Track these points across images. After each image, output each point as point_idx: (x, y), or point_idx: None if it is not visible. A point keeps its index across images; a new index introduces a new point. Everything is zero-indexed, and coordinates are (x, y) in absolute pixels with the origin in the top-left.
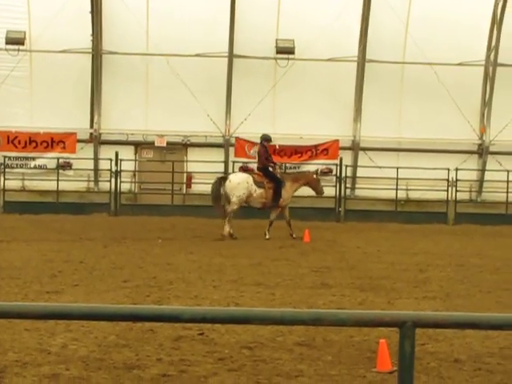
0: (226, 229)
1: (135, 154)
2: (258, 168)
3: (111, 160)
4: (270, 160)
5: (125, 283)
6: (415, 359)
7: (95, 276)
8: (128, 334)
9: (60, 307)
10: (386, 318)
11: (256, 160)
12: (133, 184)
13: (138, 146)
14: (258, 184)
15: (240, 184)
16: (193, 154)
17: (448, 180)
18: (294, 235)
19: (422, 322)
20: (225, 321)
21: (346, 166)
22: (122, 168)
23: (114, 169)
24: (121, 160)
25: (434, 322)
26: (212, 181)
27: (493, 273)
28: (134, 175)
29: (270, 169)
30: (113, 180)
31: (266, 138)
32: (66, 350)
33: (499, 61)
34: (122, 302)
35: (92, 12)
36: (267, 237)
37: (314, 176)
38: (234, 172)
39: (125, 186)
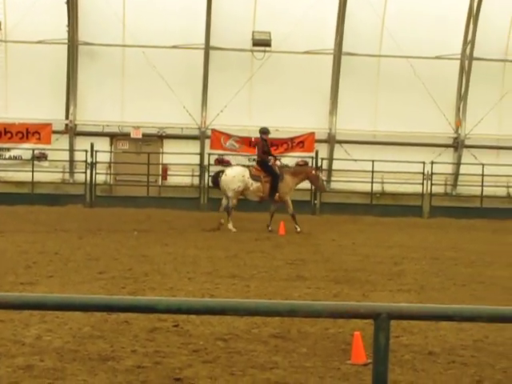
0: (230, 226)
1: (111, 146)
2: (257, 162)
3: (86, 151)
4: (266, 153)
5: (100, 275)
6: (390, 351)
7: (70, 267)
8: (103, 326)
9: (34, 297)
10: (360, 310)
11: (231, 152)
12: (108, 175)
13: (114, 137)
14: (255, 178)
15: (235, 177)
16: (168, 146)
17: (423, 173)
18: (270, 228)
19: (396, 313)
20: (200, 312)
21: (322, 159)
22: (98, 159)
23: (89, 160)
24: (96, 151)
25: (409, 313)
26: (187, 173)
27: (467, 266)
28: (110, 167)
29: (270, 162)
30: (88, 171)
31: (263, 131)
32: (41, 341)
33: (475, 55)
34: (98, 294)
35: (68, 2)
36: (269, 229)
37: (313, 172)
38: (210, 164)
39: (100, 178)
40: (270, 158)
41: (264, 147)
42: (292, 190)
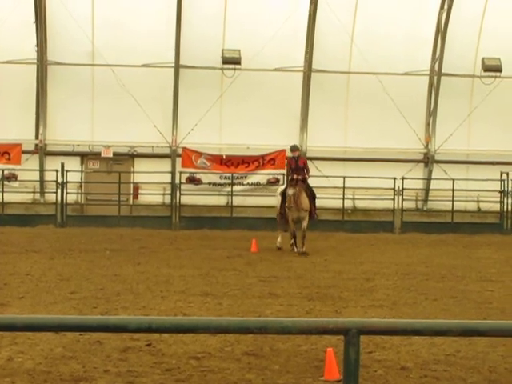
0: (278, 240)
1: (81, 165)
2: None
3: (57, 171)
4: (294, 170)
5: (72, 295)
6: (362, 367)
7: (42, 288)
8: (75, 346)
9: (4, 318)
10: (330, 326)
11: (203, 170)
12: (79, 195)
13: (84, 156)
14: (281, 194)
15: (276, 196)
16: (140, 165)
17: (394, 189)
18: (295, 249)
19: (366, 329)
20: (171, 330)
21: None
22: (68, 179)
23: (59, 180)
24: (67, 171)
25: (379, 329)
26: (159, 191)
27: (438, 281)
28: (81, 186)
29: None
30: (59, 191)
31: (290, 149)
32: (12, 362)
33: (444, 71)
34: (69, 314)
35: (36, 22)
36: (295, 250)
37: None
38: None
39: (71, 198)
40: (296, 175)
41: (291, 164)
42: (293, 209)
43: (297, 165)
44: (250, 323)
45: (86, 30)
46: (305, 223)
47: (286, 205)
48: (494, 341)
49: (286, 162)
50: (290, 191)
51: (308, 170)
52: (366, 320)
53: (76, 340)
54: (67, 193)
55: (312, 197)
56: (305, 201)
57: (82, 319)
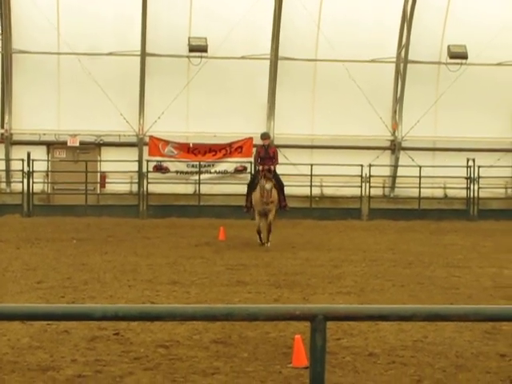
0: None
1: (48, 154)
2: None
3: (23, 160)
4: (263, 159)
5: (38, 284)
6: (330, 354)
7: (8, 278)
8: (42, 336)
9: None
10: (297, 312)
11: (170, 159)
12: (46, 184)
13: (51, 145)
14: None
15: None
16: (106, 154)
17: (361, 176)
18: (263, 242)
19: (332, 315)
20: (136, 318)
21: None
22: (35, 168)
23: (26, 169)
24: (33, 160)
25: (345, 314)
26: (126, 180)
27: (406, 267)
28: (47, 175)
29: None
30: (25, 181)
31: (260, 137)
32: None
33: (410, 58)
34: (36, 304)
35: (1, 10)
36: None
37: None
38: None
39: (37, 187)
40: (263, 165)
41: (260, 153)
42: (259, 202)
43: (266, 153)
44: (216, 310)
45: (51, 18)
46: (271, 216)
47: (264, 200)
48: (461, 326)
49: (254, 150)
50: (268, 185)
51: (276, 160)
52: (332, 306)
53: (43, 330)
54: (33, 182)
55: (280, 187)
56: (273, 193)
57: (48, 308)
